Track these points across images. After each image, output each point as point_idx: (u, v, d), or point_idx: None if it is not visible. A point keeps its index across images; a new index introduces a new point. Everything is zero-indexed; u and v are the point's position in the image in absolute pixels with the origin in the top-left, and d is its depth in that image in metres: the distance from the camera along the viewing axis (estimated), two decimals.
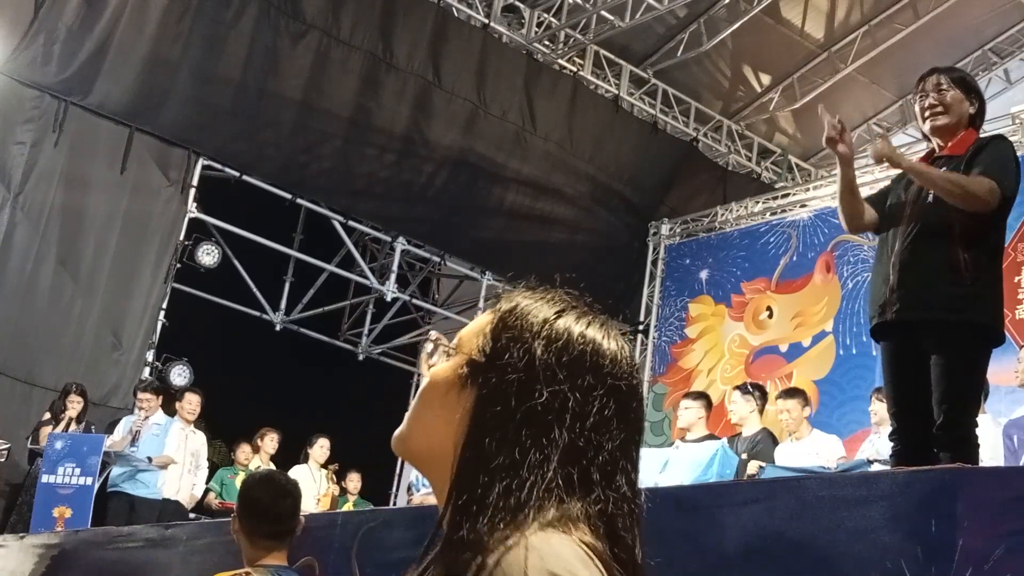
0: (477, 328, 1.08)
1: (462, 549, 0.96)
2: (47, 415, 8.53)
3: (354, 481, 9.93)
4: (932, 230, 3.59)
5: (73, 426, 8.34)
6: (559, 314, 1.06)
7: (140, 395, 8.51)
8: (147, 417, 8.36)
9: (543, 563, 0.92)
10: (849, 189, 3.78)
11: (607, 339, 1.06)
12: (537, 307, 1.07)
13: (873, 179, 8.90)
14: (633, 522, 1.02)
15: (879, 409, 6.46)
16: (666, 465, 6.24)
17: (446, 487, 1.02)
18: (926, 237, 3.60)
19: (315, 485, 8.84)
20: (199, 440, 8.81)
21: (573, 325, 1.05)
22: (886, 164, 3.84)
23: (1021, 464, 5.17)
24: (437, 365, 1.10)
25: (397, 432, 1.11)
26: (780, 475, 5.40)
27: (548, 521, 0.96)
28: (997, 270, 3.67)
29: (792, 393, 7.05)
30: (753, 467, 6.21)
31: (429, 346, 1.11)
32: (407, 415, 1.11)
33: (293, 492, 2.99)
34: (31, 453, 8.55)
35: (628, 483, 1.03)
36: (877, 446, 6.30)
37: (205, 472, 8.89)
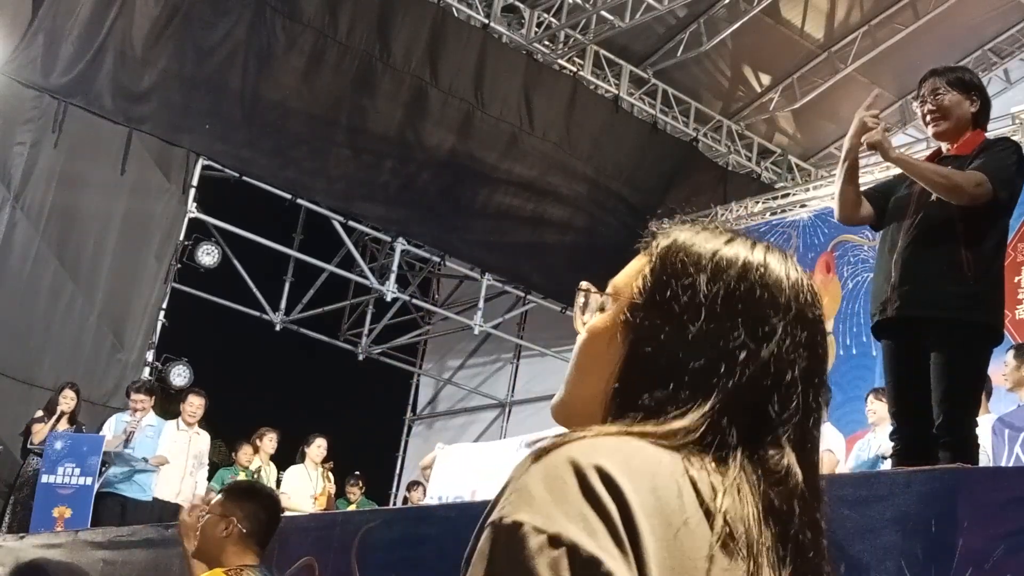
0: (633, 271, 0.99)
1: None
2: (39, 412, 8.41)
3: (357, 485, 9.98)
4: (935, 228, 3.57)
5: (64, 423, 8.23)
6: (728, 243, 0.97)
7: (133, 396, 8.39)
8: (140, 418, 8.28)
9: (575, 448, 0.85)
10: (852, 176, 3.71)
11: (786, 266, 0.96)
12: (701, 238, 0.98)
13: (873, 179, 8.88)
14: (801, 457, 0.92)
15: (878, 408, 6.44)
16: None
17: None
18: (929, 235, 3.58)
19: (311, 484, 8.85)
20: (203, 441, 8.72)
21: (745, 253, 0.95)
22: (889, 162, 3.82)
23: (1007, 461, 5.17)
24: (592, 319, 0.99)
25: (556, 399, 1.00)
26: None
27: (652, 432, 0.88)
28: (999, 270, 3.66)
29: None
30: None
31: (581, 298, 1.00)
32: (565, 379, 1.00)
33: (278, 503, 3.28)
34: (23, 450, 8.48)
35: (806, 420, 0.93)
36: (873, 444, 6.28)
37: (206, 470, 8.84)
